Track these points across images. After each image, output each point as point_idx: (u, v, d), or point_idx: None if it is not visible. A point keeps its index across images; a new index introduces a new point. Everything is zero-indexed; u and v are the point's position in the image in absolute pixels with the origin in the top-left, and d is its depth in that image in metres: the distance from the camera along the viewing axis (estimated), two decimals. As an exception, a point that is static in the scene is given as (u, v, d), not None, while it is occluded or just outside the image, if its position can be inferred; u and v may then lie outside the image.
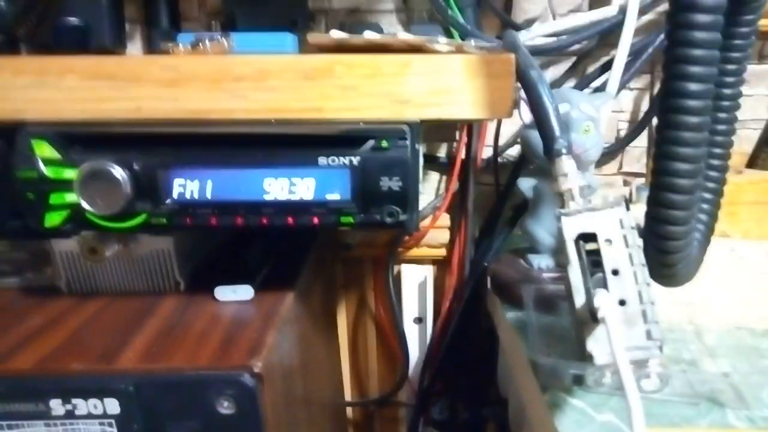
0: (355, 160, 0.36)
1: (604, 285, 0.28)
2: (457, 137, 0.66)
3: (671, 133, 0.26)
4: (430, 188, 0.70)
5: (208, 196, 0.37)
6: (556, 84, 0.65)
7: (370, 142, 0.36)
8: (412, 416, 0.74)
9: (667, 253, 0.28)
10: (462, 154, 0.65)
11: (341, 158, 0.36)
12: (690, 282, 0.47)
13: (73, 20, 0.42)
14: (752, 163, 0.55)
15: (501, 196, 0.65)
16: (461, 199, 0.66)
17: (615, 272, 0.28)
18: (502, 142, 0.66)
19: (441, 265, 0.71)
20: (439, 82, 0.38)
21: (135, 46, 0.65)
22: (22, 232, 0.41)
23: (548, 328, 0.48)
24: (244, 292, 0.45)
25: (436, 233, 0.69)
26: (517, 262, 0.56)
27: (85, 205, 0.36)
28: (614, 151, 0.67)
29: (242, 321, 0.42)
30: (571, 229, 0.29)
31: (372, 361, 0.78)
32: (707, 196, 0.35)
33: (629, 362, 0.29)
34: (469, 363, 0.71)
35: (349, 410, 0.81)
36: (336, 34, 0.50)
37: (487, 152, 0.66)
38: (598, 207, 0.29)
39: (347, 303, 0.75)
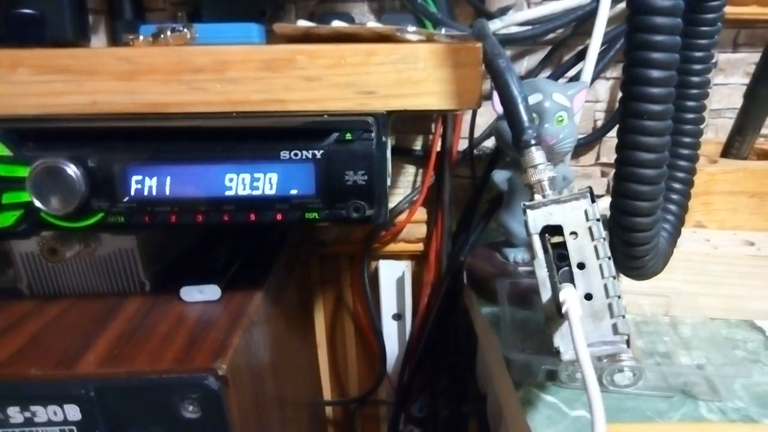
0: (319, 153, 0.35)
1: (570, 279, 0.28)
2: (433, 129, 0.65)
3: (634, 121, 0.25)
4: (407, 182, 0.69)
5: (167, 192, 0.35)
6: (532, 73, 0.64)
7: (334, 135, 0.35)
8: (393, 414, 0.73)
9: (633, 246, 0.28)
10: (438, 147, 0.64)
11: (304, 152, 0.35)
12: (664, 273, 0.47)
13: (27, 12, 0.40)
14: (726, 152, 0.54)
15: (477, 189, 0.64)
16: (437, 192, 0.65)
17: (581, 266, 0.28)
18: (477, 133, 0.65)
19: (419, 260, 0.71)
20: (404, 73, 0.37)
21: (99, 39, 0.63)
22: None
23: (523, 323, 0.47)
24: (210, 292, 0.43)
25: (413, 228, 0.68)
26: (493, 255, 0.55)
27: (38, 204, 0.34)
28: (591, 141, 0.66)
29: (208, 322, 0.41)
30: (536, 221, 0.28)
31: (351, 359, 0.77)
32: (677, 186, 0.34)
33: (597, 357, 0.29)
34: (448, 359, 0.71)
35: (329, 409, 0.80)
36: (303, 24, 0.49)
37: (463, 144, 0.65)
38: (563, 199, 0.28)
39: (324, 300, 0.74)
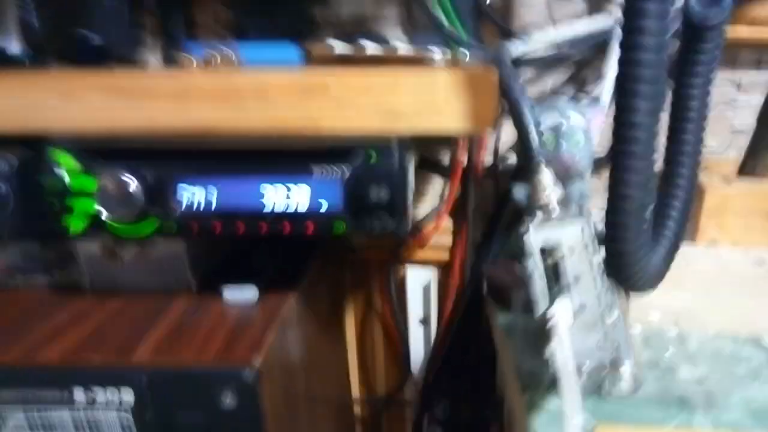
0: (347, 171, 0.39)
1: (564, 293, 0.31)
2: (459, 144, 0.68)
3: (621, 149, 0.28)
4: (434, 193, 0.72)
5: (213, 205, 0.40)
6: (556, 92, 0.67)
7: (361, 155, 0.39)
8: (416, 414, 0.77)
9: (623, 266, 0.30)
10: (463, 160, 0.67)
11: (334, 170, 0.39)
12: (674, 289, 0.50)
13: (94, 37, 0.45)
14: (741, 171, 0.56)
15: (500, 201, 0.68)
16: (462, 204, 0.68)
17: (577, 279, 0.31)
18: (502, 148, 0.68)
19: (445, 267, 0.74)
20: (426, 98, 0.40)
21: (153, 55, 0.69)
22: (49, 234, 0.45)
23: (536, 331, 0.50)
24: (249, 292, 0.48)
25: (440, 237, 0.71)
26: (512, 266, 0.58)
27: (103, 213, 0.39)
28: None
29: (246, 320, 0.45)
30: (535, 241, 0.32)
31: (379, 360, 0.81)
32: (675, 203, 0.37)
33: (594, 365, 0.32)
34: (471, 364, 0.74)
35: (357, 408, 0.84)
36: (337, 47, 0.53)
37: (488, 158, 0.68)
38: (560, 219, 0.31)
39: (355, 303, 0.78)
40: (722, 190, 0.54)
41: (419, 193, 0.72)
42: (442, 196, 0.72)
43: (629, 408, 0.41)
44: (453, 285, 0.71)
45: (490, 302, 0.59)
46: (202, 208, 0.40)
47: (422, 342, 0.77)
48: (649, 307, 0.51)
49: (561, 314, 0.30)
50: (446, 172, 0.71)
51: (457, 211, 0.70)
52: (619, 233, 0.30)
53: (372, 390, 0.83)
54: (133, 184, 0.39)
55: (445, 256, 0.72)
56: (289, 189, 0.40)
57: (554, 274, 0.32)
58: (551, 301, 0.31)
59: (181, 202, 0.40)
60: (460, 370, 0.75)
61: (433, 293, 0.74)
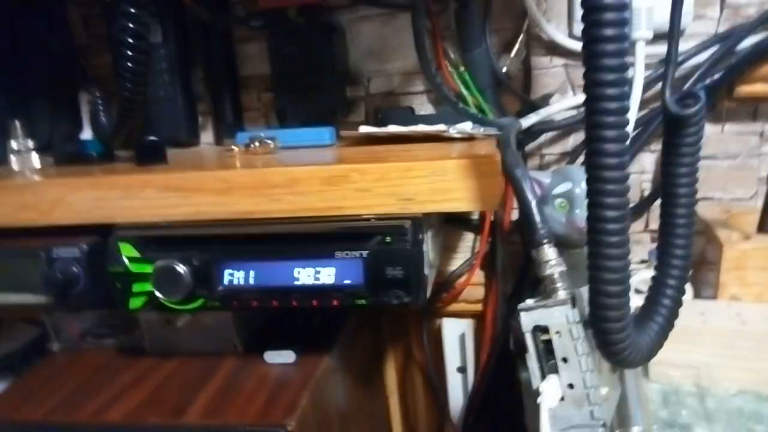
0: (365, 253, 0.44)
1: (556, 371, 0.34)
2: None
3: (598, 249, 0.32)
4: (466, 247, 0.76)
5: (251, 283, 0.46)
6: (577, 151, 0.69)
7: (378, 238, 0.44)
8: (457, 459, 0.79)
9: (611, 344, 0.33)
10: (491, 217, 0.71)
11: (354, 252, 0.44)
12: (693, 347, 0.51)
13: (153, 139, 0.53)
14: (761, 226, 0.57)
15: (527, 257, 0.70)
16: (492, 258, 0.72)
17: (564, 360, 0.34)
18: (528, 205, 0.71)
19: (479, 318, 0.77)
20: (436, 183, 0.45)
21: (207, 135, 0.76)
22: (114, 308, 0.51)
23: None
24: (287, 356, 0.53)
25: (472, 290, 0.75)
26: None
27: (158, 293, 0.46)
28: (640, 210, 0.71)
29: (284, 383, 0.51)
30: (528, 322, 0.35)
31: (420, 408, 0.84)
32: (671, 280, 0.39)
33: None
34: (507, 411, 0.76)
35: (400, 452, 0.88)
36: (364, 129, 0.59)
37: (515, 214, 0.72)
38: (549, 304, 0.35)
39: (395, 354, 0.82)
40: (741, 245, 0.55)
41: (452, 248, 0.76)
42: (473, 250, 0.76)
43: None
44: (486, 336, 0.74)
45: (516, 357, 0.62)
46: (241, 288, 0.45)
47: (461, 390, 0.80)
48: (669, 365, 0.53)
49: (548, 392, 0.33)
50: (476, 228, 0.74)
51: (488, 265, 0.73)
52: (602, 314, 0.33)
53: (415, 435, 0.86)
54: (182, 268, 0.45)
55: (478, 307, 0.76)
56: (316, 269, 0.45)
57: (547, 351, 0.35)
58: (545, 376, 0.34)
59: (223, 283, 0.46)
60: (497, 417, 0.77)
61: (468, 343, 0.77)
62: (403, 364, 0.83)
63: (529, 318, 0.35)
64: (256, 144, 0.57)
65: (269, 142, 0.57)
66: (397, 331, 0.81)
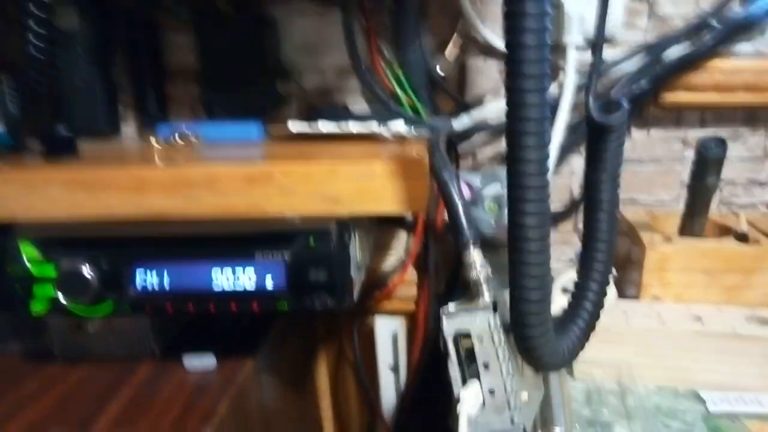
0: (287, 255, 0.42)
1: (477, 376, 0.34)
2: (422, 201, 0.72)
3: (518, 257, 0.31)
4: (399, 246, 0.75)
5: (166, 287, 0.43)
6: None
7: (301, 240, 0.42)
8: (389, 459, 0.79)
9: (531, 349, 0.33)
10: (424, 216, 0.70)
11: (275, 254, 0.42)
12: (614, 345, 0.52)
13: (63, 134, 0.49)
14: (682, 230, 0.59)
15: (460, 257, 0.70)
16: (425, 258, 0.71)
17: (486, 365, 0.34)
18: (461, 205, 0.71)
19: (412, 317, 0.76)
20: (363, 184, 0.44)
21: (129, 127, 0.72)
22: (16, 312, 0.48)
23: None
24: (207, 360, 0.51)
25: (405, 288, 0.74)
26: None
27: (61, 297, 0.42)
28: (569, 210, 0.72)
29: (202, 389, 0.48)
30: (450, 328, 0.34)
31: (353, 408, 0.83)
32: (592, 285, 0.39)
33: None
34: (439, 409, 0.76)
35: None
36: (293, 125, 0.57)
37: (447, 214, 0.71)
38: (472, 309, 0.34)
39: (327, 354, 0.81)
40: (663, 248, 0.57)
41: (385, 246, 0.75)
42: (407, 249, 0.75)
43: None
44: (419, 335, 0.74)
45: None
46: (155, 291, 0.43)
47: (393, 389, 0.79)
48: (593, 363, 0.54)
49: (467, 400, 0.32)
50: (410, 227, 0.73)
51: (421, 264, 0.73)
52: (522, 320, 0.33)
53: (347, 435, 0.85)
54: (88, 271, 0.42)
55: (411, 306, 0.75)
56: (235, 272, 0.42)
57: (469, 357, 0.34)
58: (466, 381, 0.34)
59: (135, 287, 0.43)
60: (428, 416, 0.77)
61: (401, 342, 0.77)
62: (336, 364, 0.82)
63: (450, 324, 0.34)
64: (177, 138, 0.54)
65: (191, 136, 0.54)
66: (330, 330, 0.80)
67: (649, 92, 0.64)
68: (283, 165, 0.44)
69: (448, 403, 0.73)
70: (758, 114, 0.68)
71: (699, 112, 0.68)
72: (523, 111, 0.29)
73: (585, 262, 0.40)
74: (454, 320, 0.35)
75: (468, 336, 0.34)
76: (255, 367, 0.53)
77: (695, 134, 0.69)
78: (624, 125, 0.37)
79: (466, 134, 0.68)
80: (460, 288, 0.69)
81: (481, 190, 0.55)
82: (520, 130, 0.29)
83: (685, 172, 0.71)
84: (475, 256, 0.41)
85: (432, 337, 0.72)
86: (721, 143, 0.50)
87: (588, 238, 0.40)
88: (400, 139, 0.56)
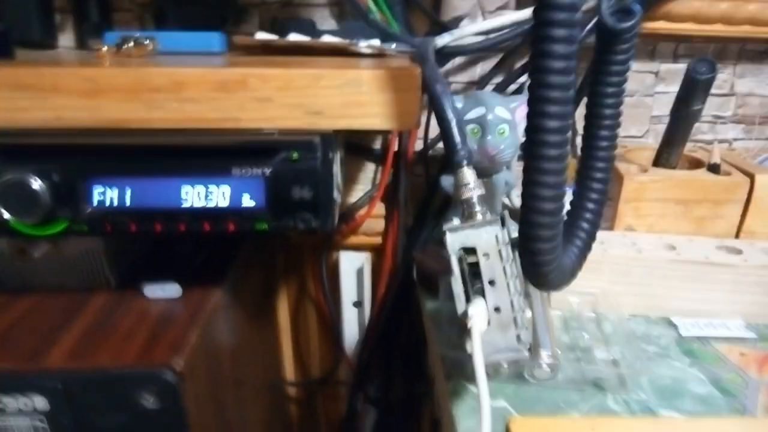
0: (268, 170, 0.38)
1: (482, 294, 0.32)
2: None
3: (534, 163, 0.29)
4: (367, 178, 0.72)
5: (127, 204, 0.38)
6: (485, 79, 0.67)
7: (282, 154, 0.38)
8: (351, 394, 0.78)
9: (537, 266, 0.31)
10: (395, 147, 0.67)
11: (255, 169, 0.38)
12: (592, 274, 0.52)
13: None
14: (657, 161, 0.59)
15: (431, 189, 0.68)
16: (394, 190, 0.69)
17: (491, 282, 0.32)
18: (432, 135, 0.68)
19: (378, 252, 0.74)
20: (349, 96, 0.40)
21: (66, 38, 0.64)
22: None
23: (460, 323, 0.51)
24: (171, 289, 0.47)
25: (372, 222, 0.71)
26: (441, 253, 0.59)
27: (5, 215, 0.37)
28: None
29: (169, 318, 0.44)
30: (454, 243, 0.32)
31: (314, 343, 0.81)
32: (590, 201, 0.38)
33: (505, 362, 0.33)
34: (404, 344, 0.75)
35: (291, 389, 0.85)
36: (261, 36, 0.52)
37: (419, 145, 0.69)
38: (478, 224, 0.32)
39: (288, 288, 0.78)
40: (639, 178, 0.56)
41: (352, 179, 0.71)
42: (374, 182, 0.72)
43: (548, 392, 0.43)
44: (385, 269, 0.72)
45: (419, 287, 0.60)
46: (115, 209, 0.38)
47: (356, 324, 0.78)
48: (569, 292, 0.53)
49: (476, 316, 0.30)
50: (379, 158, 0.70)
51: (390, 197, 0.70)
52: (533, 233, 0.31)
53: (307, 372, 0.83)
54: (37, 183, 0.37)
55: (377, 240, 0.73)
56: (208, 188, 0.38)
57: (473, 274, 0.32)
58: (470, 300, 0.32)
59: (92, 203, 0.38)
60: (393, 351, 0.76)
61: (366, 277, 0.75)
62: (297, 300, 0.79)
63: (455, 239, 0.32)
64: (131, 45, 0.48)
65: (146, 42, 0.48)
66: (291, 265, 0.77)
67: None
68: (260, 70, 0.39)
69: (416, 337, 0.72)
70: (729, 49, 0.68)
71: (674, 43, 0.67)
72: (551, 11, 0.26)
73: (583, 180, 0.38)
74: (458, 235, 0.32)
75: (473, 252, 0.32)
76: (223, 298, 0.49)
77: (668, 68, 0.69)
78: (636, 32, 0.35)
79: (441, 59, 0.65)
80: (432, 220, 0.67)
81: (463, 114, 0.52)
82: (550, 20, 0.27)
83: (655, 107, 0.70)
84: (468, 175, 0.39)
85: (400, 272, 0.70)
86: (712, 66, 0.49)
87: (587, 155, 0.38)
88: (378, 55, 0.52)
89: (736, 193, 0.56)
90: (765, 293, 0.51)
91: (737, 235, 0.58)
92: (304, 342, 0.82)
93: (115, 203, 0.38)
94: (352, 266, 0.75)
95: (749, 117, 0.71)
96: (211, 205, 0.39)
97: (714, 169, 0.58)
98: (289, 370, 0.83)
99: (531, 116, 0.29)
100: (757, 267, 0.51)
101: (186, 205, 0.39)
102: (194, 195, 0.38)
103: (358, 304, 0.77)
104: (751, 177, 0.56)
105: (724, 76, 0.70)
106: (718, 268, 0.51)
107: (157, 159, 0.39)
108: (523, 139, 0.51)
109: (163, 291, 0.47)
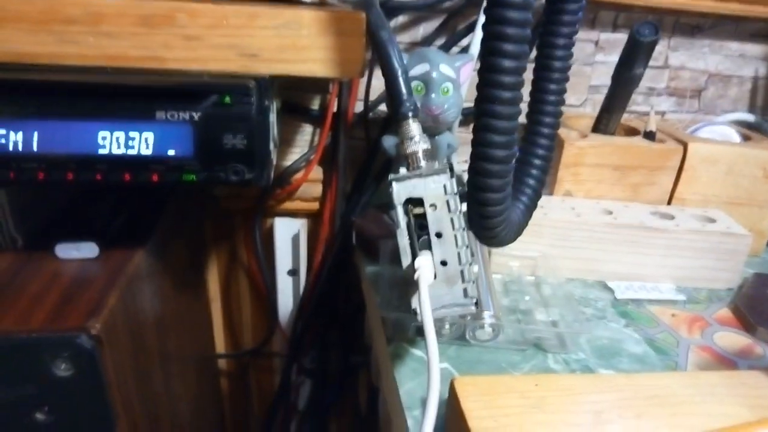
0: (197, 115, 0.35)
1: (428, 247, 0.30)
2: (330, 90, 0.65)
3: (486, 106, 0.28)
4: (304, 141, 0.69)
5: (34, 148, 0.34)
6: (427, 41, 0.65)
7: (213, 98, 0.35)
8: (285, 365, 0.76)
9: (486, 218, 0.30)
10: (334, 108, 0.64)
11: (181, 113, 0.35)
12: (532, 238, 0.52)
13: None
14: (596, 127, 0.59)
15: (371, 152, 0.66)
16: (333, 153, 0.66)
17: (438, 235, 0.30)
18: (373, 96, 0.66)
19: (314, 218, 0.72)
20: (288, 38, 0.37)
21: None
22: None
23: (403, 282, 0.50)
24: (87, 249, 0.43)
25: (309, 187, 0.69)
26: (381, 217, 0.58)
27: None
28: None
29: (84, 280, 0.40)
30: (400, 193, 0.30)
31: (246, 314, 0.78)
32: (536, 162, 0.37)
33: (454, 316, 0.32)
34: (340, 313, 0.74)
35: (222, 362, 0.81)
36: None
37: (359, 107, 0.66)
38: (425, 173, 0.30)
39: (218, 256, 0.74)
40: (578, 143, 0.57)
41: (288, 141, 0.68)
42: (311, 144, 0.69)
43: (490, 353, 0.42)
44: (322, 236, 0.69)
45: (359, 253, 0.58)
46: (19, 154, 0.34)
47: (291, 294, 0.75)
48: (510, 256, 0.53)
49: (423, 267, 0.29)
50: (316, 120, 0.67)
51: (327, 161, 0.67)
52: (483, 182, 0.29)
53: (239, 343, 0.80)
54: (-76, 122, 0.32)
55: (314, 206, 0.70)
56: (129, 134, 0.35)
57: (419, 227, 0.31)
58: (415, 254, 0.30)
59: (-9, 145, 0.33)
60: (329, 320, 0.74)
61: (302, 244, 0.72)
62: (228, 268, 0.76)
63: (402, 188, 0.30)
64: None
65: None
66: (222, 232, 0.73)
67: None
68: (188, 4, 0.36)
69: (354, 305, 0.71)
70: (665, 21, 0.69)
71: (614, 13, 0.68)
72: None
73: (531, 135, 0.37)
74: (404, 185, 0.30)
75: (419, 204, 0.30)
76: (145, 260, 0.46)
77: (607, 37, 0.69)
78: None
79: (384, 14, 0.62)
80: (372, 185, 0.65)
81: (408, 71, 0.50)
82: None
83: (594, 76, 0.71)
84: (414, 128, 0.37)
85: (338, 239, 0.68)
86: (655, 29, 0.49)
87: (534, 109, 0.37)
88: (319, 4, 0.49)
89: (670, 160, 0.57)
90: (695, 257, 0.53)
91: (669, 202, 0.59)
92: (236, 312, 0.78)
93: (20, 147, 0.34)
94: (288, 233, 0.72)
95: (681, 90, 0.73)
96: (132, 152, 0.35)
97: (650, 136, 0.59)
98: (220, 342, 0.80)
99: (484, 55, 0.27)
100: (689, 232, 0.52)
101: (103, 151, 0.35)
102: (113, 140, 0.35)
103: (293, 272, 0.74)
104: (685, 145, 0.57)
105: (659, 49, 0.71)
106: (652, 233, 0.52)
107: (70, 99, 0.34)
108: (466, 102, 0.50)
109: (78, 251, 0.43)
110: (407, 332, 0.42)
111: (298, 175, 0.68)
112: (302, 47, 0.37)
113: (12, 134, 0.34)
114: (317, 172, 0.68)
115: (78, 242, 0.43)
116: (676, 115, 0.74)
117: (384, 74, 0.38)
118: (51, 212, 0.48)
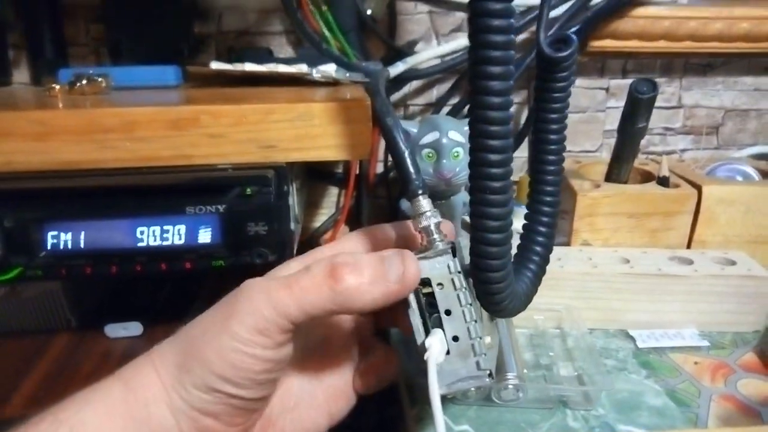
0: (222, 207, 0.38)
1: (440, 324, 0.32)
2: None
3: (479, 196, 0.30)
4: (330, 202, 0.73)
5: (82, 246, 0.38)
6: (441, 101, 0.68)
7: (236, 190, 0.39)
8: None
9: (491, 294, 0.32)
10: (356, 170, 0.68)
11: (208, 206, 0.38)
12: (555, 292, 0.53)
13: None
14: (608, 176, 0.61)
15: (393, 210, 0.69)
16: (357, 212, 0.69)
17: (448, 312, 0.32)
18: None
19: (345, 274, 0.75)
20: (301, 129, 0.41)
21: (21, 74, 0.64)
22: None
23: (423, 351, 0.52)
24: (133, 328, 0.47)
25: (337, 245, 0.72)
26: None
27: (-45, 262, 0.37)
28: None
29: (131, 358, 0.44)
30: (407, 275, 0.33)
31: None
32: (541, 226, 0.39)
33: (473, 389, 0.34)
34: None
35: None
36: (216, 66, 0.52)
37: (380, 168, 0.70)
38: (429, 256, 0.33)
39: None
40: (592, 193, 0.58)
41: (315, 203, 0.72)
42: (338, 206, 0.73)
43: (510, 413, 0.43)
44: (352, 292, 0.72)
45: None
46: (69, 252, 0.38)
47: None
48: (535, 309, 0.54)
49: (433, 347, 0.31)
50: (341, 182, 0.71)
51: (353, 220, 0.71)
52: (484, 263, 0.32)
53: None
54: (-12, 231, 0.36)
55: (344, 263, 0.73)
56: (163, 227, 0.38)
57: (429, 305, 0.33)
58: (428, 332, 0.33)
59: (46, 247, 0.38)
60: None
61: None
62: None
63: (408, 271, 0.33)
64: (84, 82, 0.48)
65: (100, 80, 0.48)
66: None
67: (578, 38, 0.64)
68: (211, 107, 0.40)
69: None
70: (675, 63, 0.71)
71: (622, 60, 0.70)
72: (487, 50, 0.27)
73: (533, 204, 0.39)
74: (411, 266, 0.33)
75: (428, 284, 0.33)
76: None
77: (617, 83, 0.71)
78: (574, 61, 0.36)
79: (399, 83, 0.66)
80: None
81: (419, 139, 0.53)
82: (486, 57, 0.28)
83: (608, 121, 0.73)
84: (425, 203, 0.40)
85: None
86: (653, 85, 0.51)
87: (536, 179, 0.39)
88: (333, 84, 0.53)
89: (685, 205, 0.58)
90: (716, 302, 0.53)
91: (689, 245, 0.60)
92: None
93: (70, 246, 0.38)
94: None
95: (697, 128, 0.74)
96: (167, 243, 0.39)
97: (663, 182, 0.60)
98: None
99: (473, 150, 0.30)
100: (708, 276, 0.53)
101: (141, 244, 0.39)
102: (149, 235, 0.39)
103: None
104: (699, 188, 0.58)
105: (671, 90, 0.72)
106: (671, 279, 0.53)
107: (110, 200, 0.39)
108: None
109: (125, 330, 0.47)
110: (428, 397, 0.44)
111: (327, 235, 0.71)
112: (315, 136, 0.41)
113: (62, 235, 0.38)
114: (344, 232, 0.72)
115: (125, 322, 0.47)
116: (693, 153, 0.75)
117: (392, 157, 0.41)
118: (100, 294, 0.52)
